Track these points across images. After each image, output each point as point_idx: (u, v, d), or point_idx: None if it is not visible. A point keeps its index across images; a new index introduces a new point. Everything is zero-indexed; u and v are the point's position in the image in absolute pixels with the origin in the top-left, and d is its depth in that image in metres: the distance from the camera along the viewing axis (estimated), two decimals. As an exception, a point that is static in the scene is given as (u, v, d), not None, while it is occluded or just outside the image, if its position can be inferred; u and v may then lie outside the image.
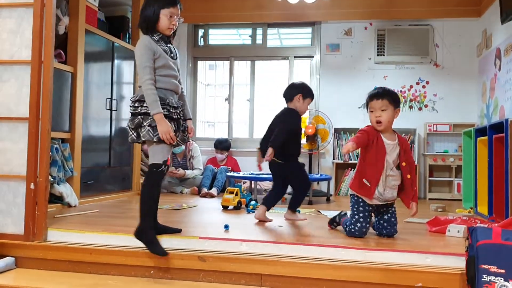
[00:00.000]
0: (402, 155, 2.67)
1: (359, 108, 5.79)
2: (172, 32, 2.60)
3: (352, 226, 2.67)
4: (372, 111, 2.69)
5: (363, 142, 2.64)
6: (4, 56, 2.76)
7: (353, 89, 5.76)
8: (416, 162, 5.44)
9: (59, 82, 3.69)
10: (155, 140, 2.45)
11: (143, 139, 2.49)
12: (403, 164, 2.66)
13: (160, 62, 2.51)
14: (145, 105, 2.45)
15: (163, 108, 2.45)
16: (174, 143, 2.51)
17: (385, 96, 2.66)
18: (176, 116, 2.56)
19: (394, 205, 2.74)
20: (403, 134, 5.55)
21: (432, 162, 5.45)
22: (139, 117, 2.47)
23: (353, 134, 5.68)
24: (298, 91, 3.34)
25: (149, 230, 2.48)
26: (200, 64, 6.48)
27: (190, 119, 2.74)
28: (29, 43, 2.72)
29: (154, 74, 2.47)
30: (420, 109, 5.73)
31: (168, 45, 2.61)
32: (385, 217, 2.71)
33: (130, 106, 2.53)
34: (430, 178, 5.47)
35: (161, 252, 2.40)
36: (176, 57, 2.65)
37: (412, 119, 5.69)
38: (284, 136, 3.17)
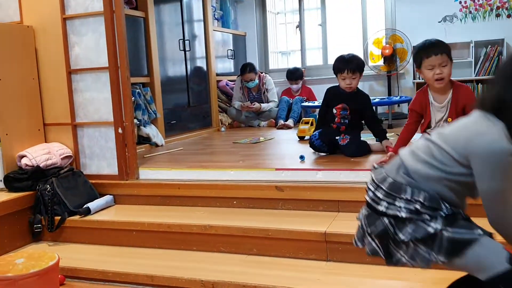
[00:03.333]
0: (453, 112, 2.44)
1: (439, 22, 5.41)
2: None
3: None
4: (430, 69, 2.41)
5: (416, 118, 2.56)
6: (79, 9, 2.92)
7: (432, 2, 5.35)
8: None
9: (133, 28, 3.82)
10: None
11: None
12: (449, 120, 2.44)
13: None
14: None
15: None
16: None
17: (445, 50, 2.38)
18: None
19: None
20: (489, 46, 5.16)
21: (523, 73, 5.02)
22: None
23: (433, 51, 5.35)
24: None
25: None
26: (268, -9, 6.33)
27: None
28: (100, -6, 2.84)
29: None
30: (508, 16, 5.22)
31: None
32: None
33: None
34: (522, 91, 5.07)
35: None
36: None
37: (500, 28, 5.20)
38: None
